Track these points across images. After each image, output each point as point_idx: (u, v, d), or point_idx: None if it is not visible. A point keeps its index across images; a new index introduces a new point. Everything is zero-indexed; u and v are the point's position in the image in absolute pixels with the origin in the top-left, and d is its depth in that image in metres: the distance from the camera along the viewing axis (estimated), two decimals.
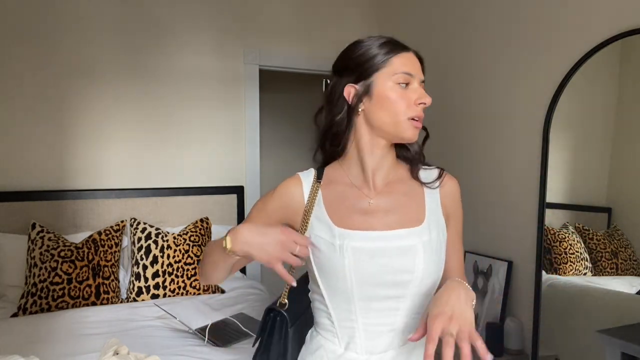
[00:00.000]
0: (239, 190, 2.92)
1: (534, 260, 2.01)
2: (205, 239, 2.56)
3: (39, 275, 2.13)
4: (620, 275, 1.72)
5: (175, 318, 1.90)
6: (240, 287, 2.48)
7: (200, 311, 1.98)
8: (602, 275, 1.78)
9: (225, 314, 2.00)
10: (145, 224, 2.47)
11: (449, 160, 2.48)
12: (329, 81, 1.01)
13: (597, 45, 1.76)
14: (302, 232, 0.96)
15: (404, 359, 0.95)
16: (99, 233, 2.35)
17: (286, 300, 0.99)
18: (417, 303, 0.94)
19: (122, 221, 2.49)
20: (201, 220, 2.63)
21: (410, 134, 0.92)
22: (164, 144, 2.74)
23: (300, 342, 1.05)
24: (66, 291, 2.12)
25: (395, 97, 0.91)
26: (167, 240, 2.42)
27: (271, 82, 3.73)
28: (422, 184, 0.99)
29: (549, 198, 1.97)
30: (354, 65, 0.94)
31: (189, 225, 2.59)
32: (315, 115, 1.03)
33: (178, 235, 2.47)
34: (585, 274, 1.85)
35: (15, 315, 2.04)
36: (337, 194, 0.98)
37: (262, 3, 2.96)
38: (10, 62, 2.41)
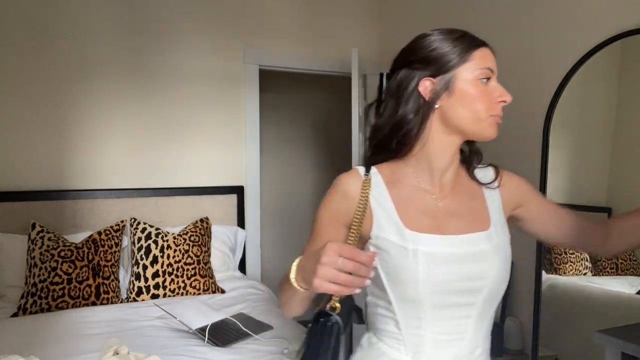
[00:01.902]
0: (239, 190, 2.92)
1: (534, 260, 2.01)
2: (205, 239, 2.56)
3: (39, 275, 2.12)
4: (620, 275, 1.72)
5: (175, 318, 1.90)
6: (240, 287, 2.48)
7: (200, 311, 1.97)
8: (602, 275, 1.78)
9: (225, 314, 2.00)
10: (145, 224, 2.47)
11: None
12: (389, 75, 0.95)
13: (597, 45, 1.76)
14: (355, 231, 0.88)
15: None
16: (99, 233, 2.34)
17: (338, 304, 0.87)
18: (486, 309, 0.91)
19: (122, 221, 2.48)
20: (201, 220, 2.63)
21: (492, 132, 0.88)
22: (164, 144, 2.74)
23: (346, 348, 0.97)
24: (66, 291, 2.12)
25: (477, 94, 0.86)
26: (167, 240, 2.42)
27: (271, 82, 3.73)
28: (481, 184, 0.96)
29: (549, 198, 1.97)
30: (431, 58, 0.87)
31: (189, 225, 2.58)
32: (367, 109, 0.98)
33: (178, 235, 2.47)
34: (585, 274, 1.85)
35: (15, 315, 2.04)
36: (404, 194, 0.91)
37: (262, 3, 2.96)
38: (10, 62, 2.41)
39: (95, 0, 2.57)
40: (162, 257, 2.37)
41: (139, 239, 2.40)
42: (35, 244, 2.21)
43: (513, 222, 1.01)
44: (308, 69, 3.11)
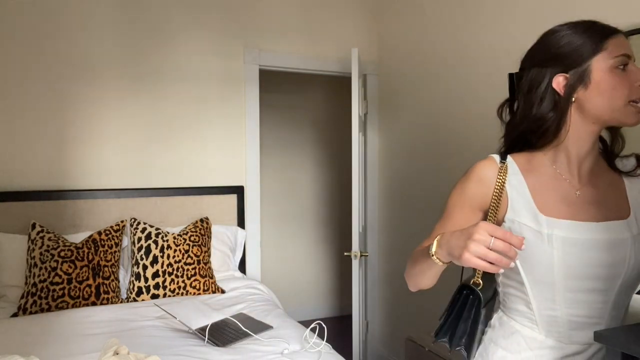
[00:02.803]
0: (239, 190, 2.92)
1: None
2: (205, 239, 2.56)
3: (39, 275, 2.13)
4: None
5: (175, 318, 1.90)
6: (240, 287, 2.48)
7: (200, 311, 1.97)
8: None
9: (225, 314, 2.00)
10: (145, 224, 2.47)
11: (451, 160, 2.48)
12: (518, 74, 0.97)
13: None
14: (492, 215, 0.93)
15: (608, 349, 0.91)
16: (99, 233, 2.35)
17: (480, 281, 0.93)
18: (622, 297, 0.92)
19: (122, 221, 2.49)
20: (201, 220, 2.63)
21: (633, 118, 0.87)
22: (164, 143, 2.74)
23: (485, 326, 1.02)
24: (66, 291, 2.12)
25: (615, 82, 0.86)
26: (167, 240, 2.42)
27: (271, 82, 3.73)
28: (623, 173, 0.95)
29: None
30: (562, 54, 0.89)
31: (189, 225, 2.59)
32: (499, 109, 1.00)
33: (178, 235, 2.47)
34: None
35: (15, 315, 2.05)
36: (542, 182, 0.93)
37: (262, 3, 2.96)
38: (10, 63, 2.41)
39: (96, 1, 2.57)
40: (162, 257, 2.37)
41: (139, 239, 2.40)
42: (35, 244, 2.21)
43: None
44: (308, 69, 3.11)
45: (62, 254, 2.18)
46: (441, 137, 2.58)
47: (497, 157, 0.96)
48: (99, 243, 2.30)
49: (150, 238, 2.40)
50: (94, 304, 2.17)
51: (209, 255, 2.54)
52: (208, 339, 1.75)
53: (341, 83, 3.74)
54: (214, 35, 2.84)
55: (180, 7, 2.76)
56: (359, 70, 2.66)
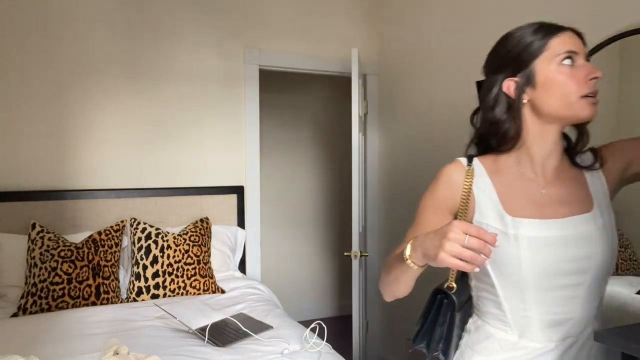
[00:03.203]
0: (239, 190, 2.92)
1: None
2: (205, 239, 2.56)
3: (39, 275, 2.12)
4: (620, 275, 1.72)
5: (175, 318, 1.90)
6: (240, 287, 2.48)
7: (200, 311, 1.97)
8: None
9: (225, 314, 2.00)
10: (145, 224, 2.47)
11: (451, 160, 2.48)
12: (481, 82, 0.99)
13: (597, 45, 1.76)
14: (461, 217, 0.94)
15: (582, 347, 0.93)
16: (99, 233, 2.34)
17: (454, 284, 0.95)
18: (594, 289, 0.92)
19: (122, 221, 2.49)
20: (201, 220, 2.63)
21: (587, 112, 0.88)
22: (164, 144, 2.74)
23: (462, 330, 1.03)
24: (66, 291, 2.12)
25: (563, 79, 0.88)
26: (167, 240, 2.42)
27: (271, 82, 3.73)
28: (583, 168, 0.97)
29: None
30: (509, 58, 0.92)
31: (189, 225, 2.59)
32: (472, 116, 1.03)
33: (178, 235, 2.47)
34: None
35: (15, 315, 2.04)
36: (508, 183, 0.95)
37: (262, 3, 2.96)
38: (10, 63, 2.41)
39: (96, 1, 2.57)
40: (162, 257, 2.37)
41: (139, 239, 2.40)
42: (35, 244, 2.21)
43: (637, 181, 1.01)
44: (308, 69, 3.11)
45: (62, 254, 2.18)
46: (441, 137, 2.58)
47: (464, 161, 0.99)
48: (99, 243, 2.30)
49: (150, 238, 2.40)
50: (94, 304, 2.17)
51: (209, 255, 2.54)
52: (208, 339, 1.75)
53: (341, 83, 3.74)
54: (214, 35, 2.84)
55: (180, 7, 2.76)
56: (359, 70, 2.66)
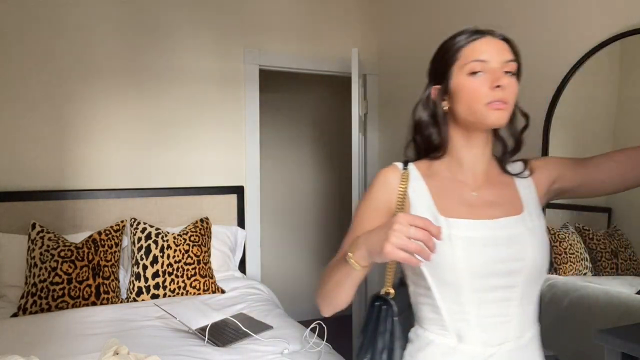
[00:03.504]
0: (239, 190, 2.92)
1: None
2: (205, 239, 2.56)
3: (39, 275, 2.12)
4: (620, 275, 1.72)
5: (175, 318, 1.90)
6: (240, 287, 2.48)
7: (200, 311, 1.97)
8: (602, 275, 1.77)
9: (225, 314, 2.00)
10: (145, 224, 2.47)
11: None
12: None
13: (597, 45, 1.76)
14: None
15: (521, 352, 0.94)
16: (99, 233, 2.34)
17: (392, 290, 0.96)
18: (528, 292, 0.93)
19: (122, 221, 2.48)
20: (201, 220, 2.63)
21: (492, 118, 0.90)
22: (164, 143, 2.74)
23: (406, 339, 1.02)
24: (66, 291, 2.12)
25: (468, 87, 0.91)
26: (167, 240, 2.42)
27: (271, 82, 3.73)
28: (513, 175, 1.01)
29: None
30: (434, 67, 0.98)
31: (189, 225, 2.59)
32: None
33: (178, 235, 2.47)
34: (585, 274, 1.85)
35: (15, 315, 2.04)
36: (441, 186, 0.98)
37: (262, 3, 2.96)
38: (10, 63, 2.41)
39: (96, 1, 2.57)
40: (162, 257, 2.37)
41: (139, 239, 2.40)
42: (35, 244, 2.21)
43: (565, 196, 1.05)
44: (308, 69, 3.11)
45: (62, 254, 2.18)
46: None
47: (400, 165, 1.01)
48: (99, 243, 2.30)
49: (150, 238, 2.40)
50: (94, 304, 2.17)
51: (209, 255, 2.54)
52: (208, 339, 1.75)
53: (341, 83, 3.73)
54: (214, 35, 2.84)
55: (180, 7, 2.76)
56: (359, 70, 2.66)
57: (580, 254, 1.86)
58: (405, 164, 1.02)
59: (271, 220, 4.01)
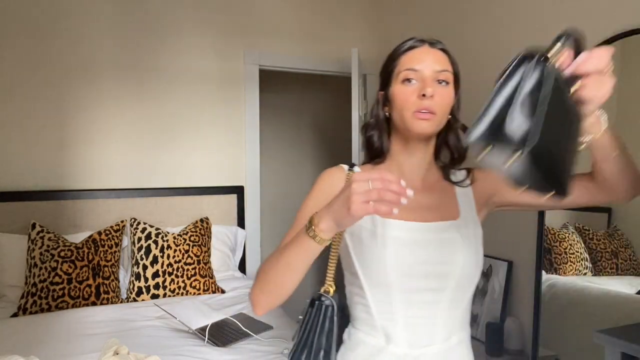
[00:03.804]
0: (239, 190, 2.92)
1: (534, 260, 2.01)
2: (205, 239, 2.56)
3: (39, 275, 2.12)
4: (620, 275, 1.72)
5: (175, 318, 1.90)
6: (240, 287, 2.48)
7: (200, 311, 1.98)
8: (602, 275, 1.78)
9: (225, 314, 2.00)
10: (145, 224, 2.47)
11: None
12: None
13: (597, 45, 1.76)
14: None
15: (447, 355, 0.95)
16: (99, 233, 2.35)
17: (331, 288, 0.97)
18: (457, 297, 0.94)
19: (122, 221, 2.49)
20: (201, 220, 2.63)
21: (415, 126, 0.92)
22: (164, 144, 2.74)
23: (340, 343, 1.02)
24: (66, 291, 2.12)
25: (399, 95, 0.94)
26: (167, 240, 2.42)
27: (271, 82, 3.73)
28: (454, 183, 1.02)
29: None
30: (380, 73, 1.01)
31: (189, 225, 2.59)
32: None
33: (178, 235, 2.47)
34: (585, 274, 1.85)
35: (15, 315, 2.05)
36: None
37: (262, 3, 2.96)
38: (10, 62, 2.41)
39: (96, 2, 2.57)
40: (162, 257, 2.37)
41: (139, 239, 2.40)
42: (35, 244, 2.21)
43: (513, 208, 1.07)
44: (308, 69, 3.11)
45: (62, 254, 2.18)
46: None
47: (345, 167, 1.04)
48: (99, 243, 2.30)
49: (150, 238, 2.40)
50: (94, 304, 2.17)
51: (209, 255, 2.54)
52: (208, 339, 1.75)
53: (341, 83, 3.73)
54: (214, 36, 2.84)
55: (180, 8, 2.76)
56: (359, 70, 2.66)
57: (580, 254, 1.86)
58: (351, 166, 1.04)
59: (271, 221, 4.01)
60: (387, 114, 0.99)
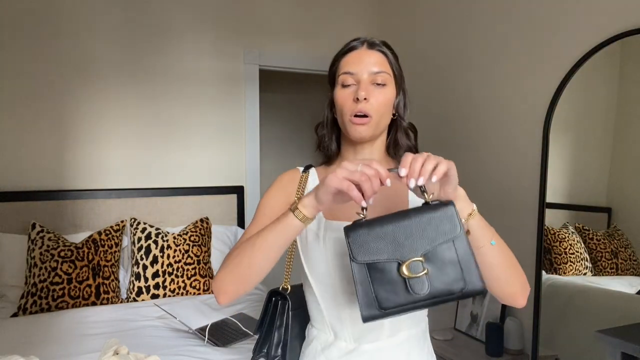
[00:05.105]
0: (239, 190, 2.92)
1: (534, 260, 2.01)
2: (205, 239, 2.56)
3: (39, 275, 2.13)
4: (620, 275, 1.72)
5: (175, 318, 1.90)
6: None
7: (200, 311, 1.98)
8: (602, 275, 1.78)
9: (225, 314, 2.00)
10: (145, 224, 2.47)
11: (450, 160, 2.48)
12: None
13: (597, 45, 1.76)
14: None
15: (394, 351, 0.96)
16: (99, 233, 2.35)
17: (288, 286, 1.00)
18: None
19: (122, 221, 2.49)
20: (201, 220, 2.63)
21: (352, 131, 0.93)
22: (164, 144, 2.74)
23: (302, 338, 1.06)
24: (66, 291, 2.13)
25: (339, 100, 0.94)
26: (167, 240, 2.42)
27: (271, 82, 3.73)
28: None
29: (549, 198, 1.97)
30: (328, 74, 1.01)
31: (189, 225, 2.59)
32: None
33: (178, 235, 2.47)
34: (585, 274, 1.85)
35: (15, 315, 2.05)
36: None
37: (262, 3, 2.96)
38: (10, 62, 2.41)
39: (96, 1, 2.57)
40: (162, 257, 2.37)
41: (139, 239, 2.40)
42: (35, 244, 2.21)
43: None
44: (308, 69, 3.11)
45: (62, 254, 2.18)
46: (441, 136, 2.58)
47: (300, 168, 1.06)
48: (99, 243, 2.30)
49: (150, 238, 2.40)
50: (94, 304, 2.17)
51: (209, 255, 2.54)
52: (208, 339, 1.75)
53: None
54: (214, 35, 2.84)
55: (180, 8, 2.76)
56: None
57: (580, 254, 1.86)
58: (307, 167, 1.05)
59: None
60: (335, 115, 0.99)
